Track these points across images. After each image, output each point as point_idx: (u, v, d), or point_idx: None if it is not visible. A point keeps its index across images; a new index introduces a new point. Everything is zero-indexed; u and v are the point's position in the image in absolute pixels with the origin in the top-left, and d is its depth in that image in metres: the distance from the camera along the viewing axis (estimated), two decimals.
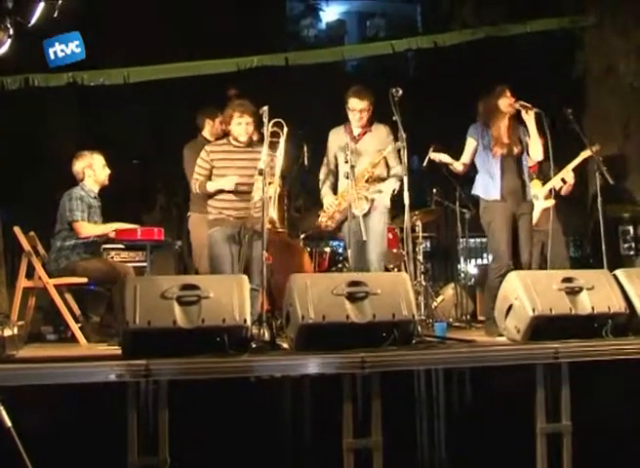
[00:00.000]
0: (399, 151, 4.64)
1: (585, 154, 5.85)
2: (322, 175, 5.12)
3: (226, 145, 4.79)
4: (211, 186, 4.69)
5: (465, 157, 5.08)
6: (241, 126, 4.66)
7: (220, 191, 4.69)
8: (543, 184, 6.07)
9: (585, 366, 3.60)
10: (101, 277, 4.86)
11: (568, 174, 6.02)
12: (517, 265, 4.86)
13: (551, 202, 6.02)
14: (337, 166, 5.01)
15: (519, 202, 4.94)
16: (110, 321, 4.87)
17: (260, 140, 4.60)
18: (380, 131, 4.95)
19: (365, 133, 4.95)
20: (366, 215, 4.81)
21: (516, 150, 4.96)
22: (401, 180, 4.59)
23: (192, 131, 5.82)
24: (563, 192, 6.14)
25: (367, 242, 4.77)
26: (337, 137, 5.00)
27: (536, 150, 4.98)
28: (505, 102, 4.95)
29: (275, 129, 4.47)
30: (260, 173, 4.31)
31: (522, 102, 4.89)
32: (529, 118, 4.88)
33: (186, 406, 3.51)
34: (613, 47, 7.35)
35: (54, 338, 5.33)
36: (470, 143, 5.06)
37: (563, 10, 7.68)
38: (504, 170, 4.94)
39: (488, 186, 4.98)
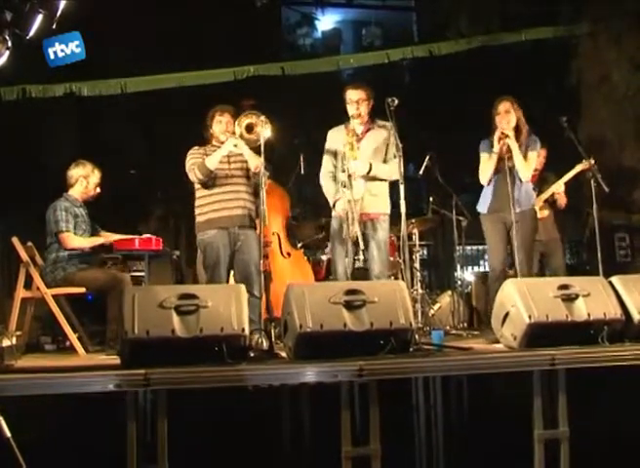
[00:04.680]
0: (396, 158, 4.60)
1: (580, 168, 5.83)
2: (326, 178, 4.95)
3: (211, 147, 4.85)
4: (210, 160, 4.64)
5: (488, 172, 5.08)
6: (221, 124, 4.81)
7: (211, 187, 4.70)
8: (538, 195, 6.08)
9: (582, 372, 3.62)
10: (99, 286, 4.85)
11: (559, 187, 6.04)
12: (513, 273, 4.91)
13: (545, 213, 6.04)
14: (335, 166, 4.91)
15: (511, 211, 4.90)
16: (108, 331, 4.88)
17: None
18: (384, 129, 4.85)
19: (367, 130, 4.87)
20: (371, 225, 4.75)
21: (510, 163, 4.95)
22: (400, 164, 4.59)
23: (190, 140, 5.83)
24: (557, 205, 6.15)
25: (372, 251, 4.72)
26: (337, 137, 4.91)
27: (521, 172, 4.97)
28: (497, 120, 4.98)
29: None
30: (253, 185, 4.38)
31: (502, 130, 4.91)
32: (511, 142, 4.91)
33: (185, 415, 3.52)
34: (607, 56, 7.41)
35: (52, 348, 5.32)
36: (483, 158, 5.10)
37: (557, 19, 7.74)
38: (499, 182, 4.98)
39: (482, 198, 5.11)
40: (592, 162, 5.61)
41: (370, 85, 4.94)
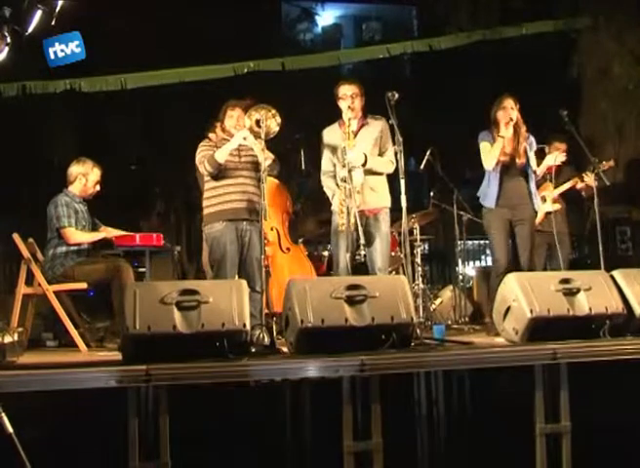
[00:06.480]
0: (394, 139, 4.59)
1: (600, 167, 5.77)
2: (326, 178, 4.98)
3: (222, 140, 4.83)
4: (220, 154, 4.62)
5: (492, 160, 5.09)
6: (233, 118, 4.82)
7: (221, 179, 4.70)
8: (555, 187, 6.05)
9: (583, 366, 3.62)
10: (99, 277, 4.83)
11: (589, 176, 5.96)
12: (517, 269, 4.91)
13: (557, 206, 6.03)
14: (335, 165, 4.92)
15: (518, 209, 5.03)
16: (113, 324, 4.88)
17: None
18: (378, 122, 4.87)
19: (362, 126, 4.85)
20: (374, 219, 4.76)
21: (519, 161, 5.04)
22: (395, 163, 4.69)
23: (190, 135, 5.82)
24: (587, 190, 6.08)
25: (374, 245, 4.74)
26: (333, 135, 4.93)
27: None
28: (501, 114, 5.02)
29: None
30: (259, 179, 4.37)
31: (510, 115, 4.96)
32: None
33: (187, 410, 3.52)
34: (607, 49, 7.41)
35: (54, 345, 5.33)
36: (486, 147, 5.11)
37: (558, 12, 7.72)
38: (504, 179, 5.05)
39: (487, 193, 5.13)
40: (611, 164, 5.63)
41: (370, 80, 4.94)
